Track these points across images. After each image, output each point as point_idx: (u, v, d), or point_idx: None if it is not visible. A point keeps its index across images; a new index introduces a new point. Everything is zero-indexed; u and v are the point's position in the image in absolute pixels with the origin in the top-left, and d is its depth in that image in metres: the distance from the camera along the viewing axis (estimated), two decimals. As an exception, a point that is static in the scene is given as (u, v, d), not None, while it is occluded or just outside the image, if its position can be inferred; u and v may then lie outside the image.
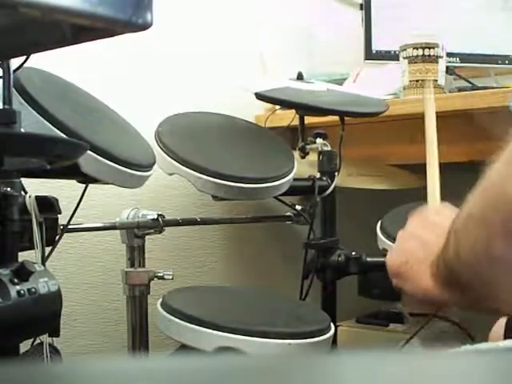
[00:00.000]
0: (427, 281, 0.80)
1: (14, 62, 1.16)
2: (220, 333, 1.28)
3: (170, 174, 1.48)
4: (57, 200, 1.26)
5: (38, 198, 1.22)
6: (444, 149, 1.77)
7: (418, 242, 0.87)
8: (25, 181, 1.22)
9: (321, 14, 2.22)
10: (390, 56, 2.00)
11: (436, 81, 1.79)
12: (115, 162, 1.27)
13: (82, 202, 1.36)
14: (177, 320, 1.33)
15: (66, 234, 1.33)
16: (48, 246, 1.26)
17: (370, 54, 2.03)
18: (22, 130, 1.14)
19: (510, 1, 2.06)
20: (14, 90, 1.16)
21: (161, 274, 1.46)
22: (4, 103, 1.13)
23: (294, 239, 1.89)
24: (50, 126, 1.21)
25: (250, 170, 1.50)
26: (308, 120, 1.71)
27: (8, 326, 1.02)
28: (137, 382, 0.35)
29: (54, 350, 1.23)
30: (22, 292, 1.02)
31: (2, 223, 1.13)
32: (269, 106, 1.92)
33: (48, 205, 1.24)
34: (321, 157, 1.67)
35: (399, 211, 1.70)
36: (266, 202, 1.84)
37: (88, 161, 1.22)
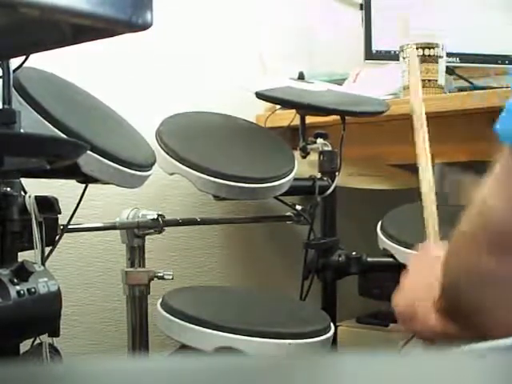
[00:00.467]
0: (433, 319, 0.81)
1: (14, 62, 1.16)
2: (220, 333, 1.28)
3: (171, 174, 1.48)
4: (57, 200, 1.26)
5: (37, 198, 1.22)
6: (444, 149, 1.78)
7: (421, 282, 0.88)
8: (25, 181, 1.22)
9: (321, 13, 2.22)
10: (390, 56, 2.00)
11: (436, 81, 1.79)
12: (115, 162, 1.27)
13: (82, 202, 1.36)
14: (177, 320, 1.33)
15: (65, 234, 1.33)
16: (48, 246, 1.26)
17: (370, 54, 2.03)
18: (22, 130, 1.14)
19: (510, 1, 2.05)
20: (13, 89, 1.16)
21: (161, 274, 1.46)
22: (4, 103, 1.13)
23: (294, 239, 1.89)
24: (50, 125, 1.21)
25: (251, 169, 1.50)
26: (309, 120, 1.71)
27: (8, 326, 1.02)
28: (137, 382, 0.35)
29: (54, 350, 1.23)
30: (22, 292, 1.02)
31: (2, 223, 1.14)
32: (269, 105, 1.92)
33: (48, 205, 1.24)
34: (321, 157, 1.67)
35: (399, 211, 1.71)
36: (266, 201, 1.84)
37: (88, 161, 1.22)
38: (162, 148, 1.48)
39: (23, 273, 1.04)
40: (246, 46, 2.03)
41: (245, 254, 2.01)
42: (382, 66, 2.00)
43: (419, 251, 0.94)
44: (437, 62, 1.79)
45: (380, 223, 1.64)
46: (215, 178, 1.43)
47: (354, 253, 1.63)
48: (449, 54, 1.87)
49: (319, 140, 1.67)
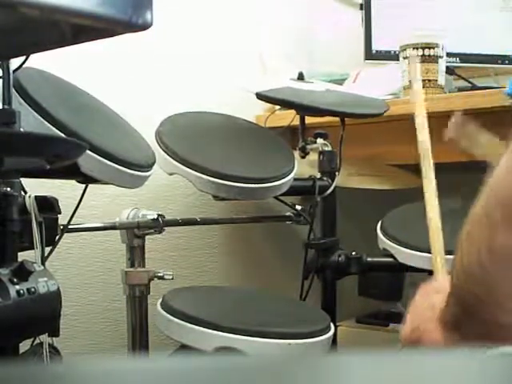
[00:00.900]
0: (439, 336, 0.81)
1: (14, 62, 1.16)
2: (220, 333, 1.28)
3: (171, 174, 1.48)
4: (57, 200, 1.26)
5: (37, 198, 1.22)
6: (444, 149, 1.77)
7: (425, 306, 0.88)
8: (25, 181, 1.22)
9: (321, 13, 2.22)
10: (390, 56, 2.00)
11: (436, 81, 1.79)
12: (115, 162, 1.27)
13: (81, 202, 1.36)
14: (177, 320, 1.33)
15: (65, 234, 1.34)
16: (48, 245, 1.26)
17: (370, 54, 2.03)
18: (22, 130, 1.14)
19: (510, 1, 2.06)
20: (13, 90, 1.16)
21: (161, 274, 1.46)
22: (4, 103, 1.13)
23: (294, 239, 1.89)
24: (50, 125, 1.21)
25: (251, 169, 1.50)
26: (308, 120, 1.71)
27: (7, 326, 1.02)
28: (137, 382, 0.35)
29: (54, 350, 1.23)
30: (22, 292, 1.02)
31: (2, 223, 1.14)
32: (269, 105, 1.92)
33: (48, 205, 1.24)
34: (321, 157, 1.67)
35: (399, 211, 1.71)
36: (266, 202, 1.84)
37: (88, 161, 1.22)
38: (161, 148, 1.48)
39: (23, 272, 1.04)
40: (246, 46, 2.03)
41: (245, 254, 2.01)
42: (382, 66, 2.00)
43: (426, 285, 0.94)
44: (437, 62, 1.79)
45: (380, 223, 1.64)
46: (215, 178, 1.43)
47: (353, 253, 1.63)
48: (449, 54, 1.87)
49: (319, 140, 1.67)
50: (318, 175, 1.67)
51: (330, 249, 1.65)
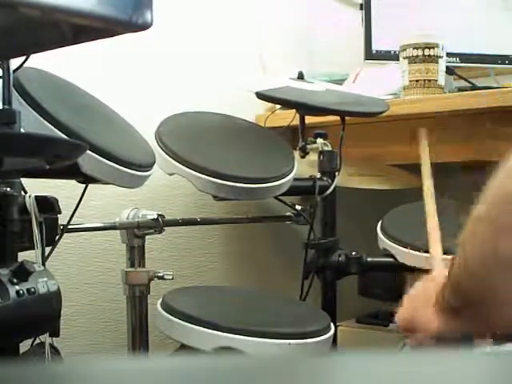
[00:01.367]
0: (435, 320, 0.81)
1: (14, 62, 1.16)
2: (220, 333, 1.28)
3: (170, 174, 1.48)
4: (57, 200, 1.26)
5: (37, 198, 1.22)
6: (444, 149, 1.78)
7: (420, 293, 0.89)
8: (25, 181, 1.22)
9: (321, 14, 2.22)
10: (390, 56, 2.00)
11: (436, 81, 1.79)
12: (115, 162, 1.27)
13: (81, 202, 1.36)
14: (177, 320, 1.33)
15: (65, 234, 1.33)
16: (48, 246, 1.26)
17: (370, 54, 2.03)
18: (22, 130, 1.14)
19: (510, 1, 2.05)
20: (13, 89, 1.16)
21: (161, 274, 1.46)
22: (4, 103, 1.13)
23: (294, 239, 1.89)
24: (50, 125, 1.21)
25: (251, 169, 1.50)
26: (308, 120, 1.71)
27: (7, 326, 1.02)
28: (137, 382, 0.35)
29: (54, 350, 1.23)
30: (22, 292, 1.02)
31: (2, 223, 1.14)
32: (269, 105, 1.92)
33: (48, 205, 1.24)
34: (321, 157, 1.67)
35: (399, 211, 1.71)
36: (266, 202, 1.84)
37: (88, 161, 1.22)
38: (161, 148, 1.48)
39: (23, 273, 1.04)
40: (246, 46, 2.03)
41: (245, 254, 2.01)
42: (382, 66, 2.00)
43: (423, 278, 0.94)
44: (437, 62, 1.79)
45: (380, 223, 1.64)
46: (215, 178, 1.43)
47: (353, 253, 1.63)
48: (449, 54, 1.87)
49: (319, 140, 1.67)
50: (318, 175, 1.67)
51: (330, 249, 1.65)
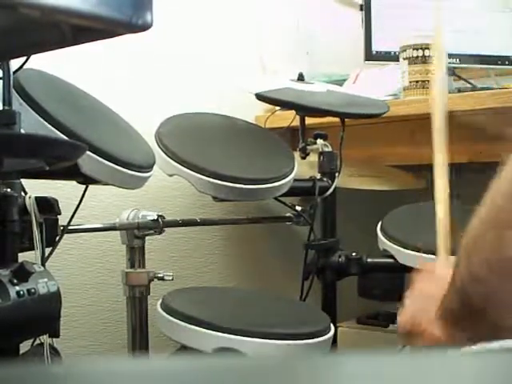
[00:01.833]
0: (437, 329, 0.80)
1: (14, 63, 1.16)
2: (220, 333, 1.28)
3: (170, 175, 1.48)
4: (57, 201, 1.26)
5: (37, 199, 1.22)
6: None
7: (424, 297, 0.88)
8: (25, 181, 1.22)
9: (321, 14, 2.22)
10: (390, 57, 2.00)
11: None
12: (115, 163, 1.27)
13: (82, 203, 1.36)
14: (177, 321, 1.33)
15: (66, 235, 1.33)
16: (48, 246, 1.26)
17: (370, 55, 2.03)
18: (22, 131, 1.14)
19: (510, 1, 2.06)
20: (13, 90, 1.16)
21: (161, 275, 1.46)
22: (4, 104, 1.13)
23: (294, 240, 1.89)
24: (50, 126, 1.21)
25: (250, 170, 1.50)
26: (308, 121, 1.71)
27: (7, 327, 1.02)
28: (137, 383, 0.35)
29: (54, 351, 1.23)
30: (22, 292, 1.02)
31: (2, 224, 1.14)
32: (269, 106, 1.92)
33: (48, 205, 1.24)
34: (321, 157, 1.67)
35: (399, 212, 1.71)
36: (266, 202, 1.84)
37: (88, 162, 1.22)
38: (161, 149, 1.48)
39: (23, 273, 1.04)
40: (246, 46, 2.03)
41: (245, 254, 2.01)
42: (382, 66, 2.00)
43: (424, 271, 0.94)
44: (437, 63, 1.79)
45: (380, 224, 1.64)
46: (215, 179, 1.43)
47: (353, 253, 1.63)
48: (449, 55, 1.87)
49: (319, 141, 1.67)
50: (318, 176, 1.67)
51: (330, 249, 1.65)
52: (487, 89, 1.81)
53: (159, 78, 1.82)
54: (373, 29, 2.03)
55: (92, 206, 1.66)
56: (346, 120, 1.62)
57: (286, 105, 1.72)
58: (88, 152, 1.17)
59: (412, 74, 1.80)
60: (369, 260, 1.62)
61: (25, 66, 1.18)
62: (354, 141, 1.67)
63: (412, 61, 1.79)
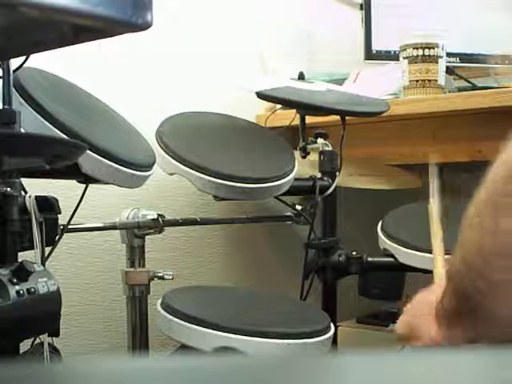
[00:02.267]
0: (434, 330, 0.80)
1: (14, 62, 1.16)
2: (220, 333, 1.28)
3: (171, 174, 1.48)
4: (57, 200, 1.26)
5: (37, 198, 1.22)
6: (444, 149, 1.78)
7: (421, 303, 0.88)
8: (25, 181, 1.22)
9: (321, 13, 2.22)
10: (390, 56, 2.00)
11: (436, 81, 1.79)
12: (115, 162, 1.27)
13: (82, 202, 1.36)
14: (177, 320, 1.33)
15: (65, 234, 1.33)
16: (48, 246, 1.26)
17: (370, 54, 2.03)
18: (22, 130, 1.14)
19: (510, 1, 2.05)
20: (13, 90, 1.16)
21: (161, 274, 1.46)
22: (4, 103, 1.13)
23: (294, 239, 1.89)
24: (50, 126, 1.21)
25: (251, 169, 1.50)
26: (309, 120, 1.71)
27: (7, 326, 1.02)
28: (137, 382, 0.35)
29: (54, 350, 1.23)
30: (22, 292, 1.02)
31: (2, 223, 1.14)
32: (269, 105, 1.92)
33: (48, 205, 1.24)
34: (322, 157, 1.67)
35: (400, 211, 1.71)
36: (266, 201, 1.84)
37: (88, 161, 1.22)
38: (162, 148, 1.48)
39: (23, 273, 1.04)
40: (247, 45, 2.03)
41: (245, 254, 2.01)
42: (382, 66, 2.00)
43: (424, 291, 0.94)
44: (437, 62, 1.79)
45: (380, 223, 1.64)
46: (215, 178, 1.43)
47: (354, 253, 1.63)
48: (449, 54, 1.87)
49: (319, 140, 1.67)
50: (319, 175, 1.67)
51: (331, 249, 1.65)
52: (487, 88, 1.81)
53: (160, 77, 1.82)
54: (373, 28, 2.03)
55: (92, 205, 1.66)
56: (346, 119, 1.62)
57: (286, 103, 1.72)
58: (88, 151, 1.17)
59: (412, 73, 1.80)
60: (369, 259, 1.62)
61: (25, 65, 1.18)
62: (354, 140, 1.67)
63: (412, 60, 1.79)
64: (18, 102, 1.19)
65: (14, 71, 1.15)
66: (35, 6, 0.69)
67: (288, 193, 1.57)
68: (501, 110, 1.62)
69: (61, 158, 1.04)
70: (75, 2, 0.70)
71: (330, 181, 1.66)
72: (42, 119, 1.21)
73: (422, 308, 0.87)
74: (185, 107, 1.69)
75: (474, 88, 1.88)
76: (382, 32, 2.03)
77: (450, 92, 1.88)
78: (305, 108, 1.64)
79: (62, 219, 1.30)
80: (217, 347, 1.28)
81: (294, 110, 1.75)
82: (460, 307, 0.76)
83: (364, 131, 1.85)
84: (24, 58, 1.16)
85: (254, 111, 1.96)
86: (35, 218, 1.20)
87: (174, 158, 1.45)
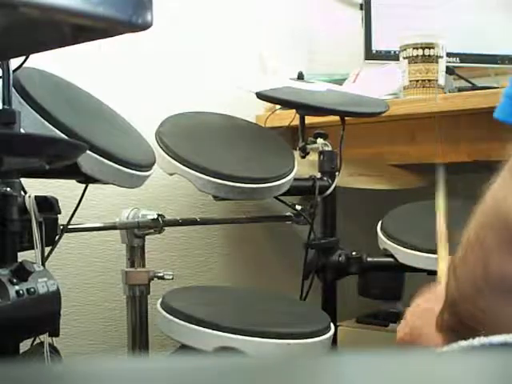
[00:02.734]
0: (435, 340, 0.80)
1: (14, 62, 1.16)
2: (220, 333, 1.28)
3: (171, 174, 1.48)
4: (56, 200, 1.26)
5: (37, 198, 1.22)
6: (444, 149, 1.77)
7: (423, 311, 0.88)
8: (24, 181, 1.22)
9: (321, 13, 2.22)
10: (390, 56, 2.00)
11: (436, 81, 1.79)
12: (115, 162, 1.27)
13: (81, 202, 1.36)
14: (177, 320, 1.33)
15: (65, 234, 1.33)
16: (48, 246, 1.26)
17: (370, 54, 2.03)
18: (22, 130, 1.14)
19: (510, 1, 2.05)
20: (13, 89, 1.16)
21: (161, 274, 1.46)
22: (4, 103, 1.13)
23: (294, 239, 1.89)
24: (50, 125, 1.21)
25: (251, 169, 1.50)
26: (308, 120, 1.71)
27: (7, 326, 1.02)
28: (137, 382, 0.35)
29: (54, 350, 1.23)
30: (21, 292, 1.02)
31: (2, 223, 1.13)
32: (269, 105, 1.92)
33: (48, 205, 1.24)
34: (321, 157, 1.67)
35: (400, 211, 1.71)
36: (266, 202, 1.84)
37: (88, 161, 1.22)
38: (161, 148, 1.48)
39: (23, 273, 1.04)
40: (246, 45, 2.03)
41: (245, 254, 2.01)
42: (382, 66, 2.00)
43: (426, 289, 0.94)
44: (437, 62, 1.79)
45: (380, 223, 1.64)
46: (215, 178, 1.43)
47: (354, 253, 1.63)
48: (449, 54, 1.87)
49: (319, 140, 1.67)
50: (319, 175, 1.67)
51: (330, 249, 1.65)
52: (487, 88, 1.81)
53: (160, 77, 1.82)
54: (373, 28, 2.03)
55: (92, 205, 1.66)
56: (346, 119, 1.62)
57: (286, 103, 1.72)
58: (88, 151, 1.17)
59: (412, 73, 1.79)
60: (369, 259, 1.62)
61: (24, 65, 1.18)
62: (354, 140, 1.67)
63: (412, 60, 1.79)
64: (17, 101, 1.19)
65: (14, 71, 1.15)
66: (36, 6, 0.69)
67: (288, 193, 1.57)
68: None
69: (60, 157, 1.04)
70: (76, 2, 0.70)
71: (330, 181, 1.66)
72: (41, 119, 1.21)
73: (422, 317, 0.87)
74: (185, 107, 1.69)
75: (474, 88, 1.88)
76: (381, 32, 2.03)
77: (450, 92, 1.88)
78: (305, 108, 1.64)
79: (62, 219, 1.30)
80: (217, 347, 1.28)
81: (294, 110, 1.75)
82: (458, 326, 0.76)
83: (364, 131, 1.85)
84: (24, 57, 1.16)
85: (254, 111, 1.96)
86: (35, 218, 1.20)
87: (173, 158, 1.45)
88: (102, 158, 1.24)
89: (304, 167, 1.68)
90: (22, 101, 1.21)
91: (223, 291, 1.67)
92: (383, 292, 1.62)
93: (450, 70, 1.91)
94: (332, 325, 1.42)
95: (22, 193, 1.21)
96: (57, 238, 1.29)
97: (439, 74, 1.79)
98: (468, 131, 1.74)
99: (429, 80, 1.78)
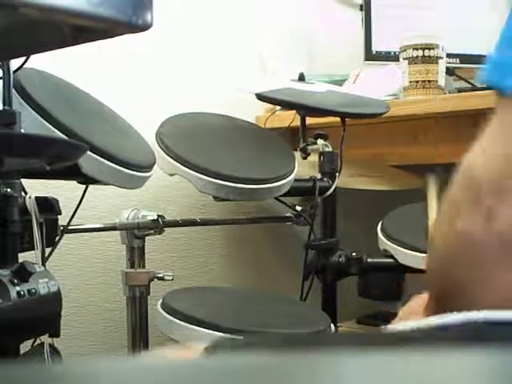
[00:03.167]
0: None
1: (14, 63, 1.16)
2: (220, 333, 1.28)
3: (171, 175, 1.48)
4: (57, 201, 1.27)
5: (38, 199, 1.22)
6: (444, 150, 1.77)
7: (415, 308, 0.88)
8: (25, 181, 1.22)
9: (321, 14, 2.22)
10: (390, 57, 2.00)
11: (436, 81, 1.79)
12: (115, 163, 1.27)
13: (82, 203, 1.36)
14: (177, 321, 1.33)
15: (66, 235, 1.33)
16: (48, 246, 1.26)
17: (370, 55, 2.03)
18: (22, 131, 1.14)
19: (510, 2, 2.05)
20: (14, 90, 1.16)
21: (161, 275, 1.46)
22: (4, 104, 1.13)
23: (294, 240, 1.89)
24: (50, 126, 1.21)
25: (251, 170, 1.50)
26: (309, 121, 1.71)
27: (8, 327, 1.02)
28: (137, 382, 0.35)
29: (55, 351, 1.23)
30: (22, 293, 1.02)
31: (3, 224, 1.14)
32: (269, 106, 1.92)
33: (48, 205, 1.24)
34: (322, 158, 1.67)
35: (400, 212, 1.71)
36: (266, 202, 1.84)
37: (88, 162, 1.22)
38: (162, 149, 1.48)
39: (23, 273, 1.04)
40: (246, 46, 2.03)
41: (245, 254, 2.01)
42: (382, 66, 2.00)
43: (417, 296, 0.94)
44: (437, 63, 1.79)
45: (380, 224, 1.64)
46: (215, 178, 1.43)
47: (354, 253, 1.63)
48: (449, 55, 1.87)
49: (319, 141, 1.67)
50: (319, 176, 1.67)
51: (331, 249, 1.65)
52: (487, 89, 1.81)
53: (160, 78, 1.82)
54: (373, 29, 2.03)
55: (92, 205, 1.66)
56: (346, 120, 1.62)
57: (286, 105, 1.72)
58: (88, 152, 1.17)
59: (412, 74, 1.79)
60: (369, 260, 1.62)
61: (25, 66, 1.18)
62: (354, 141, 1.67)
63: (412, 61, 1.79)
64: (18, 102, 1.19)
65: (15, 72, 1.16)
66: (36, 7, 0.69)
67: (288, 194, 1.57)
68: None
69: (61, 158, 1.04)
70: (75, 2, 0.70)
71: (330, 182, 1.66)
72: (42, 120, 1.22)
73: (415, 312, 0.87)
74: (185, 108, 1.69)
75: (474, 89, 1.88)
76: (381, 33, 2.03)
77: (450, 93, 1.88)
78: (305, 109, 1.64)
79: (62, 220, 1.30)
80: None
81: (294, 111, 1.75)
82: (444, 294, 0.75)
83: (364, 132, 1.85)
84: (24, 58, 1.16)
85: (254, 112, 1.96)
86: (35, 219, 1.20)
87: (174, 159, 1.46)
88: (102, 159, 1.24)
89: (304, 168, 1.68)
90: (22, 101, 1.21)
91: (223, 292, 1.67)
92: (383, 293, 1.62)
93: (450, 71, 1.91)
94: (332, 325, 1.42)
95: (23, 194, 1.21)
96: (57, 238, 1.29)
97: (439, 74, 1.80)
98: (468, 132, 1.74)
99: (429, 81, 1.78)
